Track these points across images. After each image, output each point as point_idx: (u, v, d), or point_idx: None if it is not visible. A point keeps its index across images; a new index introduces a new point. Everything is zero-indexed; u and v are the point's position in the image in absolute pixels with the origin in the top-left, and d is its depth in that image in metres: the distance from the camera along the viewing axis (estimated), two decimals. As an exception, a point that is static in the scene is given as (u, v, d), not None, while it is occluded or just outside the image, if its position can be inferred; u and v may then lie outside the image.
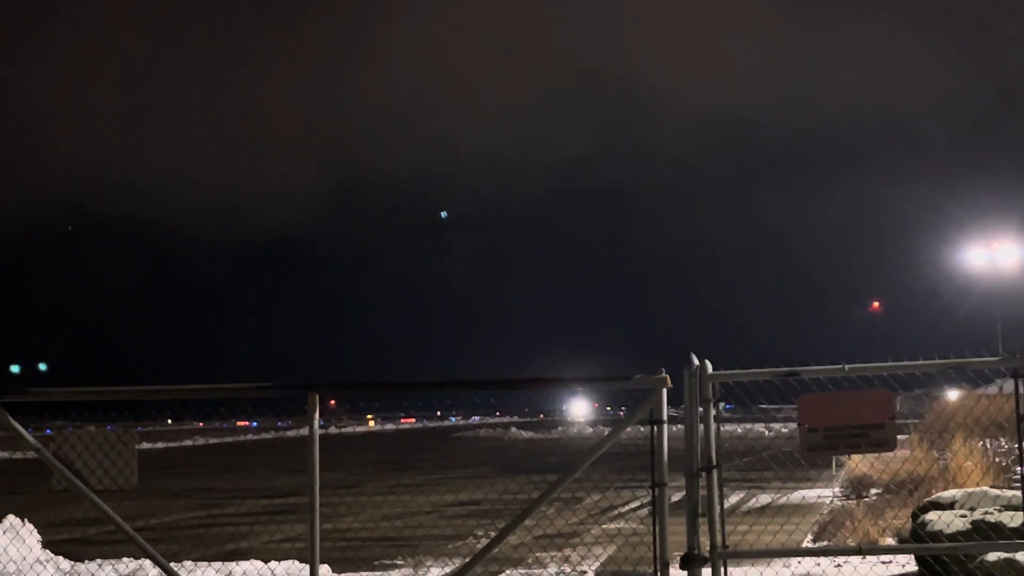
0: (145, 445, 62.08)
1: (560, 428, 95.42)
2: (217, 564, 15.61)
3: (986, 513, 11.79)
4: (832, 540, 17.13)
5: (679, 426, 8.22)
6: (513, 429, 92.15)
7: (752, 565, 13.77)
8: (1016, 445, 19.64)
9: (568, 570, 15.69)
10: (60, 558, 16.29)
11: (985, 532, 11.15)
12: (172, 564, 10.32)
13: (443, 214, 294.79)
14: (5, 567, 14.79)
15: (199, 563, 15.85)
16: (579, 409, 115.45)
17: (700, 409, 8.05)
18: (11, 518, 16.59)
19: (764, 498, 25.70)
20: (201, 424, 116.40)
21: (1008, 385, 8.43)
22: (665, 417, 8.11)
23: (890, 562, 14.29)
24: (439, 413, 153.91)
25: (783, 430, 65.23)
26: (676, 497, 8.72)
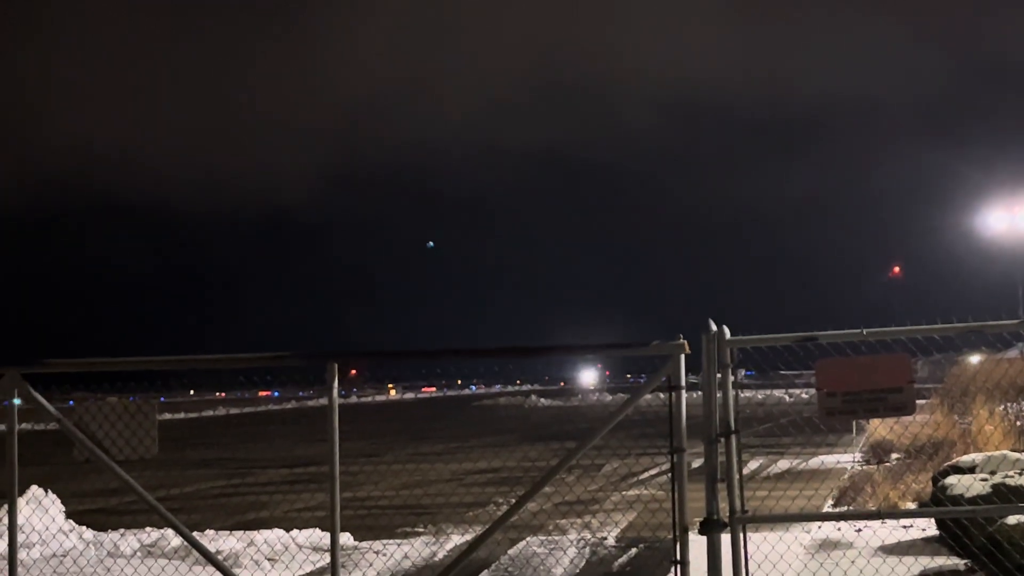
0: (166, 416, 62.40)
1: (579, 396, 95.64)
2: (239, 533, 15.71)
3: (1006, 476, 11.78)
4: (852, 505, 17.13)
5: (698, 393, 8.22)
6: (533, 397, 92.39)
7: (771, 530, 13.77)
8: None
9: (588, 536, 15.74)
10: (83, 528, 16.41)
11: (1005, 495, 11.14)
12: (194, 533, 10.38)
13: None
14: (28, 537, 14.90)
15: (221, 532, 15.95)
16: (589, 377, 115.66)
17: (718, 375, 8.04)
18: (34, 489, 16.70)
19: (783, 464, 25.70)
20: (223, 394, 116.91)
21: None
22: (683, 383, 8.09)
23: (910, 526, 14.28)
24: (460, 382, 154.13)
25: (803, 396, 65.25)
26: (696, 464, 8.72)
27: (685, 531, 7.97)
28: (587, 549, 14.69)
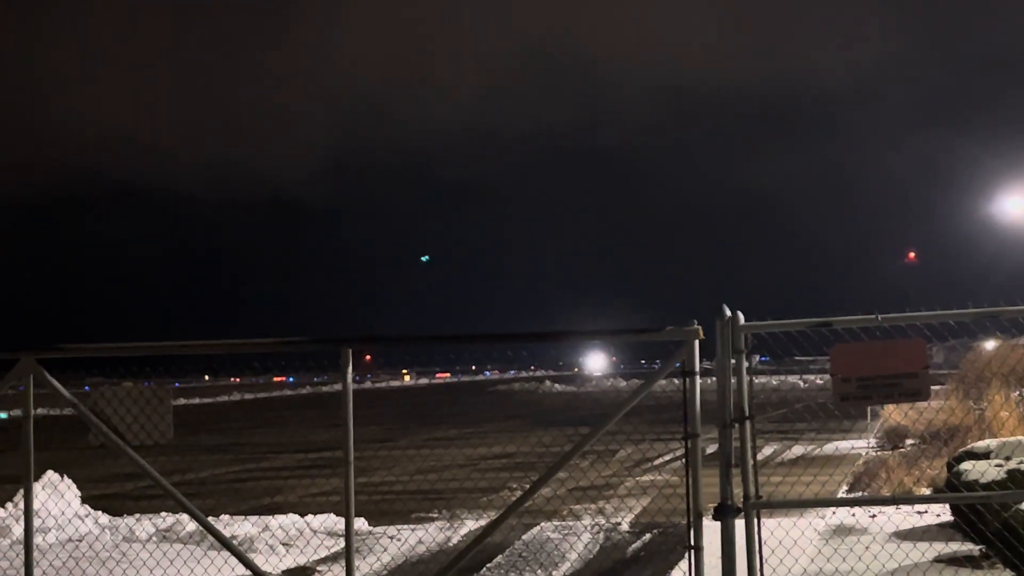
0: (181, 401, 62.56)
1: (593, 382, 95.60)
2: (254, 518, 15.75)
3: (1021, 462, 11.73)
4: (867, 490, 17.11)
5: (712, 379, 8.20)
6: (547, 383, 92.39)
7: (786, 515, 13.76)
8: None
9: (602, 522, 15.75)
10: (99, 513, 16.48)
11: (1020, 481, 11.09)
12: (209, 518, 10.41)
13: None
14: (44, 522, 14.96)
15: (236, 517, 16.00)
16: (603, 363, 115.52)
17: (732, 361, 8.01)
18: (50, 474, 16.77)
19: (798, 449, 25.68)
20: (237, 380, 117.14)
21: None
22: (697, 368, 8.06)
23: (925, 512, 14.26)
24: (474, 368, 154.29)
25: (818, 381, 65.08)
26: (710, 449, 8.71)
27: (699, 517, 7.96)
28: (601, 534, 14.71)
